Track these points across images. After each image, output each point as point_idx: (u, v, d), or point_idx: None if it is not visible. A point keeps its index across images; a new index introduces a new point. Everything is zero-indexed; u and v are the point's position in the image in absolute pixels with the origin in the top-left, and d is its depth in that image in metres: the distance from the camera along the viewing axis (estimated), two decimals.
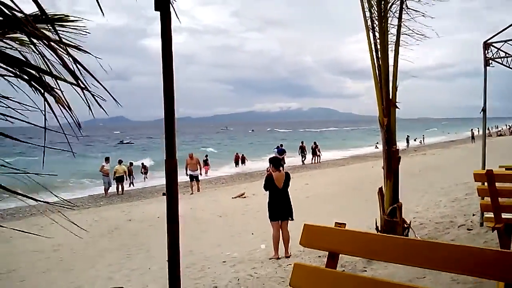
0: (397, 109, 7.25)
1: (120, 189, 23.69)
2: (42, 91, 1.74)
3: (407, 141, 51.12)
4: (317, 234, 2.00)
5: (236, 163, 36.88)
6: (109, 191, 23.18)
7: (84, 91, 1.68)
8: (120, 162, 24.71)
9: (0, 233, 13.05)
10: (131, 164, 28.00)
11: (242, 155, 38.44)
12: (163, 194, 14.49)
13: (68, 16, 2.07)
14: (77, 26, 2.11)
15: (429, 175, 19.01)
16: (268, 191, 8.33)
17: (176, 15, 2.45)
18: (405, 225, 7.12)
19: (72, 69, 1.60)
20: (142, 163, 31.14)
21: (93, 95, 1.70)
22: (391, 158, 7.21)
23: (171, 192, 2.60)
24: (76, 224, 2.40)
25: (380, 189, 7.29)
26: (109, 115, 1.86)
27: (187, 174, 21.49)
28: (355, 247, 1.85)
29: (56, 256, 10.44)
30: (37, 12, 1.64)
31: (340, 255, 2.00)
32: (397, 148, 7.38)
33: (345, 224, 1.91)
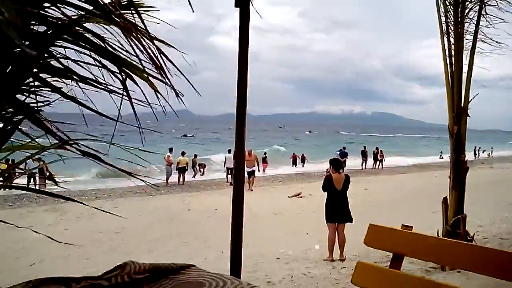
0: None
1: (181, 179, 24.40)
2: (124, 77, 1.75)
3: (475, 153, 48.72)
4: (382, 235, 2.00)
5: (294, 163, 36.65)
6: (169, 180, 23.92)
7: (166, 83, 1.72)
8: (183, 153, 25.37)
9: (69, 214, 13.94)
10: (195, 156, 28.70)
11: (302, 155, 38.13)
12: (230, 184, 14.79)
13: (143, 4, 2.01)
14: (152, 16, 2.01)
15: (496, 189, 18.05)
16: (326, 192, 8.29)
17: (256, 11, 2.51)
18: (468, 238, 6.85)
19: (157, 60, 1.67)
20: (199, 163, 31.04)
21: (173, 88, 1.71)
22: (459, 168, 6.96)
23: (238, 183, 2.70)
24: (117, 214, 2.53)
25: (445, 199, 7.05)
26: (175, 108, 1.88)
27: None
28: (422, 250, 1.82)
29: (118, 238, 10.99)
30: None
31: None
32: (466, 158, 7.12)
33: (411, 226, 1.90)
